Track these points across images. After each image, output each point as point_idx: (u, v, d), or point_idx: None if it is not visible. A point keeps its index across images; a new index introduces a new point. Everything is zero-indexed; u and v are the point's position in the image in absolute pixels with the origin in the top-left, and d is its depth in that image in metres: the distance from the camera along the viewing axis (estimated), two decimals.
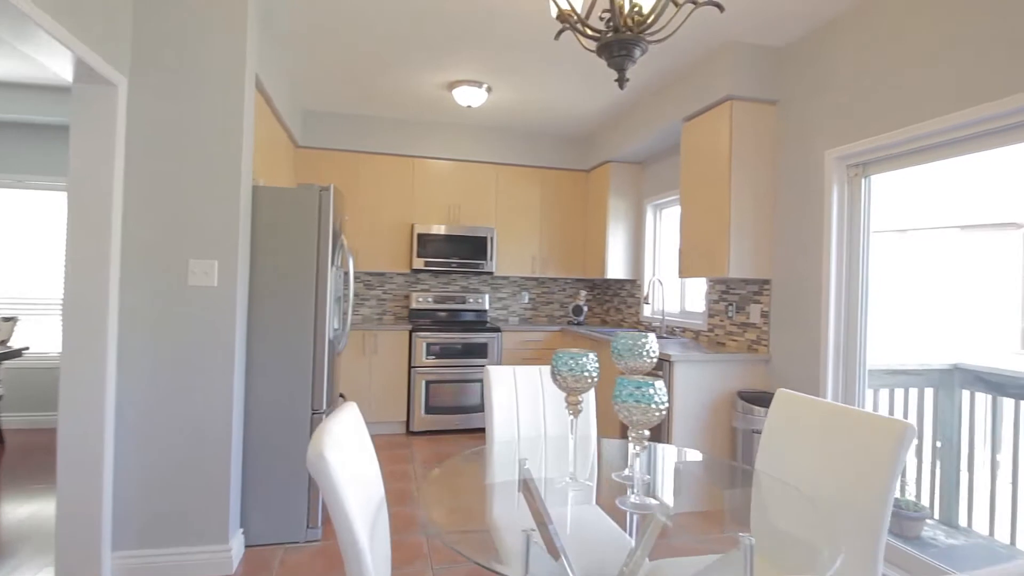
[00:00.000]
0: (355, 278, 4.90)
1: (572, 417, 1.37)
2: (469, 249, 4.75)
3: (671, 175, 4.27)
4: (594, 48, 1.44)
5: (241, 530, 2.48)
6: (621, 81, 1.37)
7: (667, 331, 4.14)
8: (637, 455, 1.25)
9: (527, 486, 1.46)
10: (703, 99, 3.28)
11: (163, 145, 2.28)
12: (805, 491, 1.44)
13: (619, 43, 1.34)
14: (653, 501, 1.27)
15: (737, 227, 3.07)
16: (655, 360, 1.44)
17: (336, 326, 2.81)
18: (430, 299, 4.94)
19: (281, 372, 2.54)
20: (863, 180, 2.67)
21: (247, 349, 2.50)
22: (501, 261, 4.93)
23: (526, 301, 5.31)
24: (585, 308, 4.97)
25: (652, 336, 1.45)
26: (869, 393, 2.70)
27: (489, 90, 3.90)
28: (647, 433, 1.22)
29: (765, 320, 3.16)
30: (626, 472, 1.43)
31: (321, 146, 4.54)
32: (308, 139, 4.51)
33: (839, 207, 2.71)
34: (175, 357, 2.28)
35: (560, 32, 1.54)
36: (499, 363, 4.55)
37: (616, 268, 4.71)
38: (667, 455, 1.79)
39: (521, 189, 4.99)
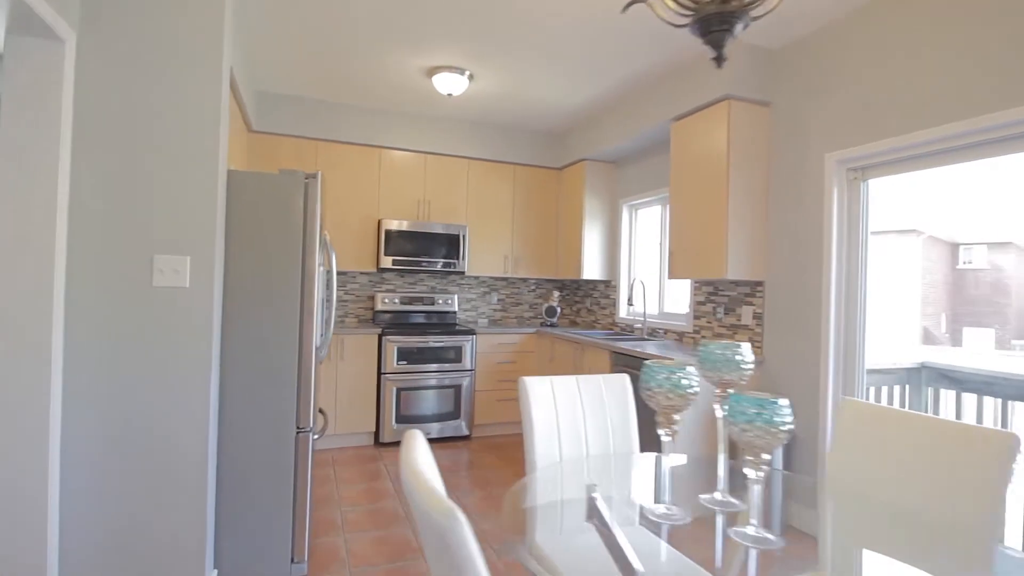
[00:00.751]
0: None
1: (667, 438, 1.21)
2: (440, 247, 4.49)
3: (649, 175, 4.24)
4: (681, 22, 1.28)
5: (215, 571, 2.13)
6: (719, 60, 1.22)
7: (648, 332, 4.09)
8: (757, 482, 1.11)
9: (596, 513, 1.29)
10: (698, 98, 3.23)
11: (121, 117, 1.90)
12: (897, 510, 1.36)
13: (720, 16, 1.19)
14: (770, 536, 1.13)
15: (735, 228, 3.04)
16: (751, 371, 1.31)
17: (320, 332, 2.50)
18: (396, 300, 4.64)
19: (262, 386, 2.21)
20: (862, 184, 2.71)
21: (221, 361, 2.15)
22: (473, 260, 4.71)
23: (495, 302, 5.12)
24: (559, 309, 4.85)
25: (746, 345, 1.32)
26: (872, 392, 2.74)
27: (471, 78, 3.68)
28: (768, 457, 1.08)
29: (758, 322, 3.17)
30: (719, 496, 1.29)
31: (278, 131, 4.12)
32: (263, 123, 4.08)
33: (839, 209, 2.74)
34: (137, 374, 1.91)
35: (629, 4, 1.38)
36: (473, 368, 4.34)
37: (592, 268, 4.62)
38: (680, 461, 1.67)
39: (493, 185, 4.79)
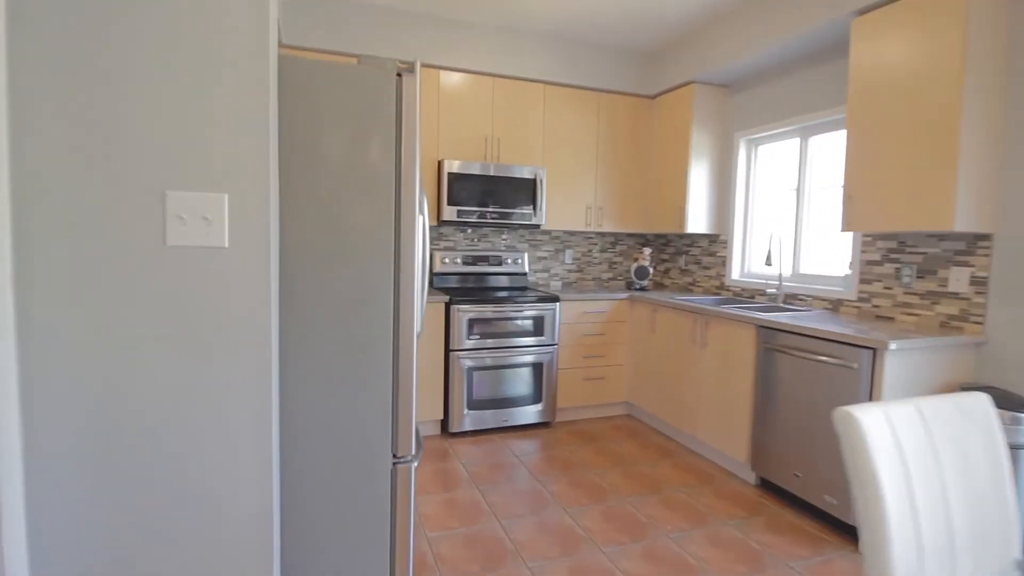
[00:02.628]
0: None
1: None
2: (514, 195, 3.64)
3: (778, 100, 3.31)
4: None
5: None
6: None
7: (784, 300, 3.27)
8: None
9: None
10: None
11: None
12: None
13: None
14: None
15: (966, 166, 2.17)
16: None
17: (420, 312, 1.71)
18: (458, 260, 3.84)
19: (340, 403, 1.45)
20: None
21: (280, 367, 1.38)
22: (551, 211, 3.87)
23: (569, 261, 4.30)
24: (651, 269, 4.02)
25: None
26: None
27: None
28: None
29: (979, 289, 2.33)
30: None
31: (312, 46, 3.23)
32: (293, 35, 3.18)
33: None
34: (145, 387, 1.15)
35: None
36: (556, 342, 3.57)
37: (697, 220, 3.76)
38: None
39: (574, 118, 3.88)
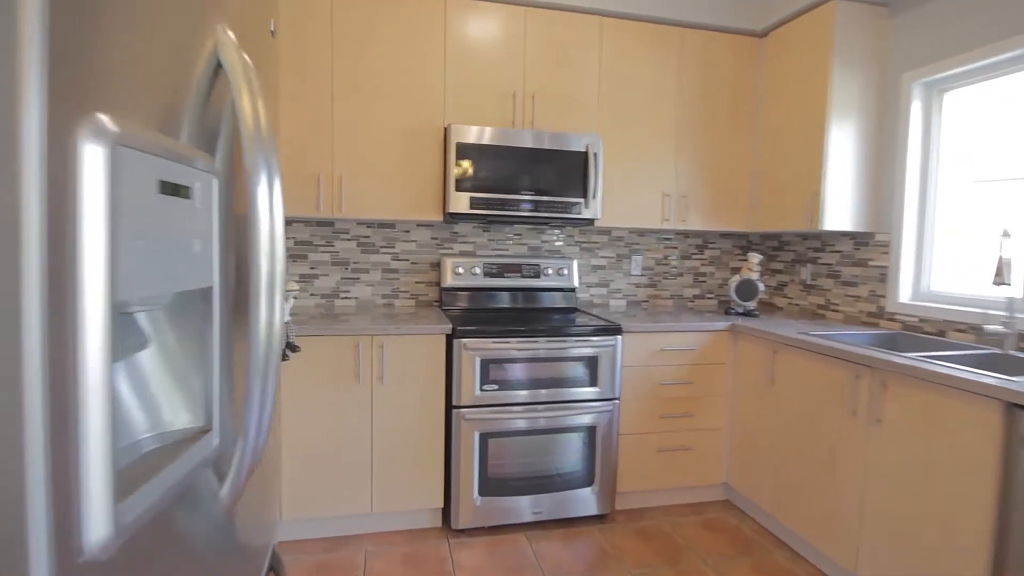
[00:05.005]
0: (343, 232, 2.68)
1: None
2: (552, 177, 2.49)
3: (980, 9, 1.96)
4: None
5: None
6: None
7: (1020, 339, 1.91)
8: None
9: None
10: None
11: None
12: None
13: None
14: None
15: None
16: None
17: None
18: (478, 270, 2.72)
19: None
20: None
21: None
22: (611, 201, 2.68)
23: (638, 272, 3.08)
24: (761, 287, 2.73)
25: None
26: None
27: None
28: None
29: None
30: None
31: None
32: None
33: None
34: None
35: None
36: (616, 395, 2.37)
37: (839, 212, 2.45)
38: None
39: (645, 65, 2.68)
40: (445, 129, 2.44)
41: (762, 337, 2.32)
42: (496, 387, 2.24)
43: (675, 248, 3.12)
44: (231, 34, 0.70)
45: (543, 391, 2.29)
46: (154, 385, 0.58)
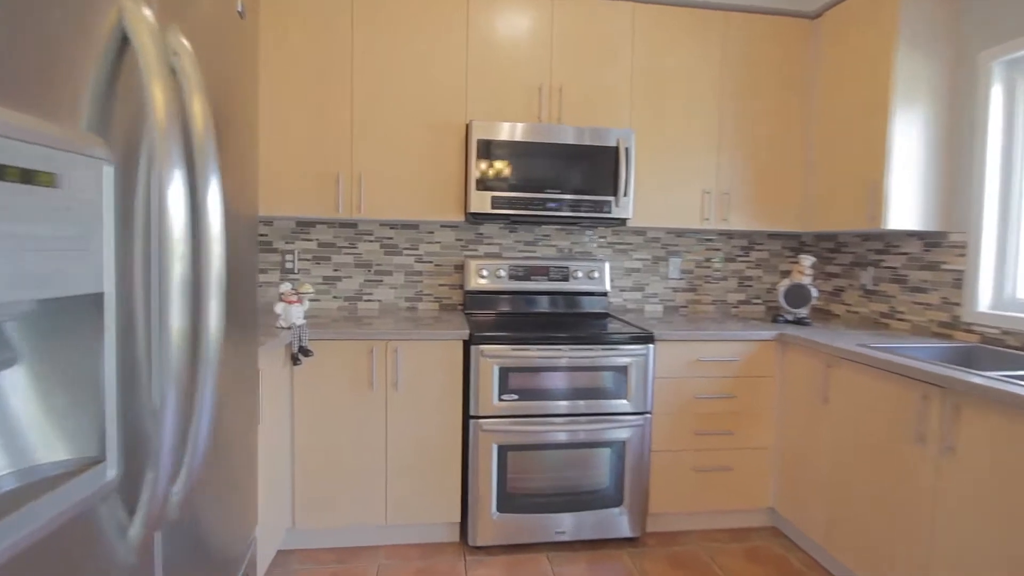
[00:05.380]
0: (366, 234, 2.62)
1: None
2: (582, 174, 2.34)
3: None
4: None
5: None
6: None
7: None
8: None
9: None
10: None
11: None
12: None
13: None
14: None
15: None
16: None
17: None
18: (502, 272, 2.60)
19: None
20: None
21: None
22: (644, 199, 2.50)
23: (676, 276, 2.87)
24: (814, 292, 2.47)
25: None
26: None
27: None
28: None
29: None
30: None
31: None
32: None
33: None
34: None
35: None
36: (648, 408, 2.19)
37: (906, 209, 2.17)
38: None
39: (684, 53, 2.49)
40: (467, 126, 2.34)
41: (814, 349, 2.08)
42: (515, 397, 2.11)
43: (718, 250, 2.89)
44: (145, 7, 0.61)
45: (566, 402, 2.14)
46: (16, 411, 0.49)
